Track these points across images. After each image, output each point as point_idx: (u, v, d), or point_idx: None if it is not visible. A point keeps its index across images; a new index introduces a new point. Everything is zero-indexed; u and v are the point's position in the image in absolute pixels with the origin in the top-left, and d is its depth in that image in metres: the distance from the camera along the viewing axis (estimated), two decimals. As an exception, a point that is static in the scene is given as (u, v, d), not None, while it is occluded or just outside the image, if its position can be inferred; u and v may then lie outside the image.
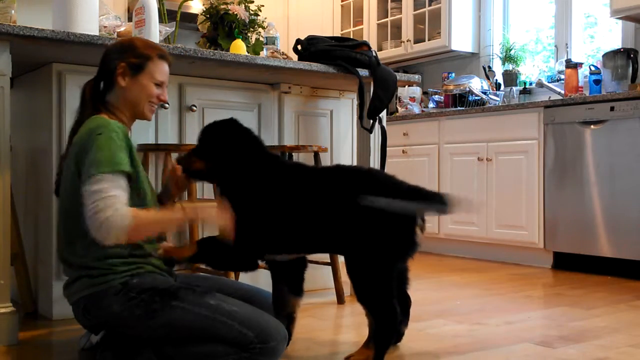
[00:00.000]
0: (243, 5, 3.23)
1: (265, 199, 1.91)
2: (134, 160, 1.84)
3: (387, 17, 5.87)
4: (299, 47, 3.05)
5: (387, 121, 3.21)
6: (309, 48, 3.00)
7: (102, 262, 1.80)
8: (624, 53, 4.18)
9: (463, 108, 4.82)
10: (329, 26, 6.23)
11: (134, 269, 1.83)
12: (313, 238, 1.93)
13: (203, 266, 2.92)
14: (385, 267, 1.88)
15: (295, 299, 2.11)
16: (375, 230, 1.85)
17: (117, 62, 1.90)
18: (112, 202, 1.68)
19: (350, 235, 1.86)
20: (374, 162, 3.01)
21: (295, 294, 2.11)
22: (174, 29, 3.12)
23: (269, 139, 3.17)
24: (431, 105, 5.36)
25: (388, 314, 1.87)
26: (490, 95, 4.93)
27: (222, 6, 3.15)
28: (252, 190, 1.92)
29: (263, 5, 3.38)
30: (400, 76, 3.11)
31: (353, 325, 2.65)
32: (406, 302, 2.18)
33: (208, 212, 1.84)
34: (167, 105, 2.15)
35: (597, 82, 4.24)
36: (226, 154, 1.96)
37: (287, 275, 2.10)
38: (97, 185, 1.70)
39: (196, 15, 3.39)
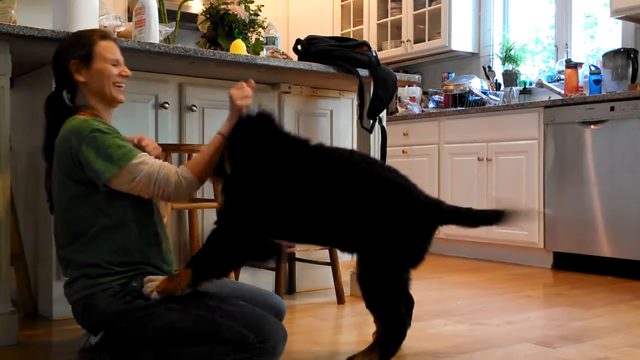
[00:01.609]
0: (243, 5, 3.22)
1: (281, 178, 1.83)
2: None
3: (387, 17, 5.87)
4: (299, 47, 3.05)
5: (387, 121, 3.21)
6: (309, 48, 3.00)
7: (101, 263, 1.80)
8: (624, 53, 4.17)
9: (463, 108, 4.82)
10: (329, 26, 6.23)
11: (133, 270, 1.83)
12: (324, 230, 1.87)
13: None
14: (395, 274, 1.87)
15: None
16: (396, 238, 1.83)
17: (67, 61, 1.91)
18: (162, 178, 1.79)
19: (368, 236, 1.83)
20: (374, 162, 3.01)
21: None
22: (174, 29, 3.11)
23: (269, 139, 3.16)
24: (431, 105, 5.36)
25: (396, 321, 1.87)
26: (490, 95, 4.93)
27: (222, 6, 3.15)
28: (266, 166, 1.84)
29: (263, 5, 3.38)
30: (400, 76, 3.11)
31: (353, 325, 2.65)
32: (409, 302, 2.17)
33: (234, 107, 1.93)
34: (194, 108, 2.13)
35: (597, 82, 4.24)
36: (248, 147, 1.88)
37: None
38: (129, 176, 1.78)
39: (196, 15, 3.39)
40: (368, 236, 1.83)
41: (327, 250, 2.98)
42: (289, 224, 1.86)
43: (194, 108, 2.97)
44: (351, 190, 1.84)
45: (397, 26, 5.80)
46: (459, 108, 4.91)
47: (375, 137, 3.01)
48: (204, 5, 3.29)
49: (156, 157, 1.95)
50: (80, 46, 1.92)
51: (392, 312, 1.87)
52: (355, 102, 3.20)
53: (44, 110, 1.95)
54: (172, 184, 1.81)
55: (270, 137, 1.89)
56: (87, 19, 2.41)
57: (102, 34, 1.98)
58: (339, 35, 5.95)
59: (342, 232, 1.86)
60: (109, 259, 1.81)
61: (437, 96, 5.34)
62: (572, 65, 4.38)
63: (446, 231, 4.67)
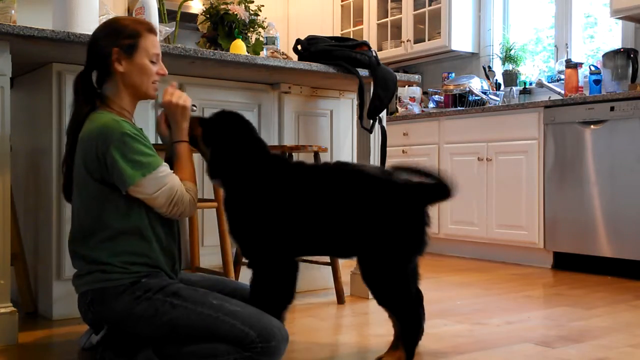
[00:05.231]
0: (243, 5, 3.23)
1: (274, 200, 1.90)
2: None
3: (387, 17, 5.87)
4: (299, 47, 3.05)
5: (387, 121, 3.21)
6: (309, 48, 3.00)
7: (116, 260, 1.81)
8: (624, 53, 4.18)
9: (463, 108, 4.82)
10: (329, 26, 6.23)
11: (147, 272, 1.83)
12: (323, 241, 1.93)
13: (203, 266, 2.92)
14: (400, 267, 1.88)
15: None
16: (388, 231, 1.85)
17: (110, 48, 1.86)
18: (180, 196, 1.83)
19: (362, 237, 1.86)
20: (374, 162, 3.01)
21: None
22: (174, 29, 3.11)
23: (269, 139, 3.17)
24: (431, 105, 5.36)
25: (410, 312, 1.89)
26: (490, 95, 4.93)
27: (222, 6, 3.15)
28: (256, 189, 1.92)
29: (263, 5, 3.38)
30: (400, 76, 3.11)
31: (353, 325, 2.65)
32: (419, 297, 2.18)
33: (177, 111, 2.02)
34: (194, 108, 2.19)
35: (597, 82, 4.24)
36: (226, 140, 2.01)
37: None
38: (151, 187, 1.79)
39: (196, 15, 3.39)
40: (363, 233, 1.86)
41: (327, 250, 2.98)
42: (295, 243, 1.94)
43: (194, 108, 2.95)
44: (337, 193, 1.89)
45: (397, 26, 5.80)
46: (459, 108, 4.91)
47: (375, 137, 3.01)
48: (204, 5, 3.29)
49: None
50: (126, 35, 1.87)
51: (405, 305, 1.89)
52: (355, 102, 3.20)
53: (73, 88, 1.92)
54: (187, 202, 1.86)
55: (252, 160, 1.96)
56: (87, 19, 2.41)
57: (149, 27, 1.94)
58: (339, 35, 5.96)
59: (338, 236, 1.90)
60: (125, 259, 1.81)
61: (437, 96, 5.34)
62: (572, 65, 4.38)
63: (446, 231, 4.74)
